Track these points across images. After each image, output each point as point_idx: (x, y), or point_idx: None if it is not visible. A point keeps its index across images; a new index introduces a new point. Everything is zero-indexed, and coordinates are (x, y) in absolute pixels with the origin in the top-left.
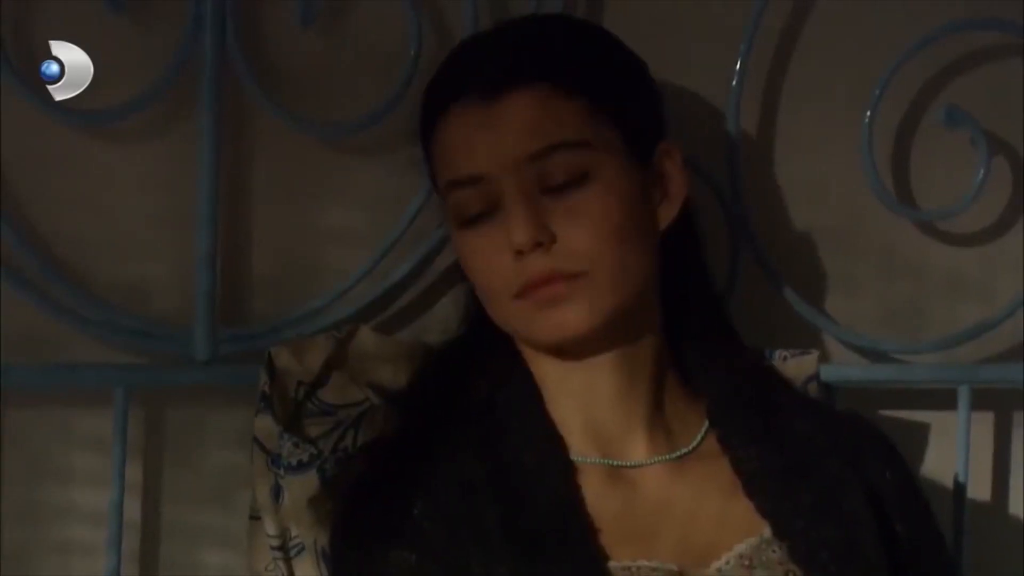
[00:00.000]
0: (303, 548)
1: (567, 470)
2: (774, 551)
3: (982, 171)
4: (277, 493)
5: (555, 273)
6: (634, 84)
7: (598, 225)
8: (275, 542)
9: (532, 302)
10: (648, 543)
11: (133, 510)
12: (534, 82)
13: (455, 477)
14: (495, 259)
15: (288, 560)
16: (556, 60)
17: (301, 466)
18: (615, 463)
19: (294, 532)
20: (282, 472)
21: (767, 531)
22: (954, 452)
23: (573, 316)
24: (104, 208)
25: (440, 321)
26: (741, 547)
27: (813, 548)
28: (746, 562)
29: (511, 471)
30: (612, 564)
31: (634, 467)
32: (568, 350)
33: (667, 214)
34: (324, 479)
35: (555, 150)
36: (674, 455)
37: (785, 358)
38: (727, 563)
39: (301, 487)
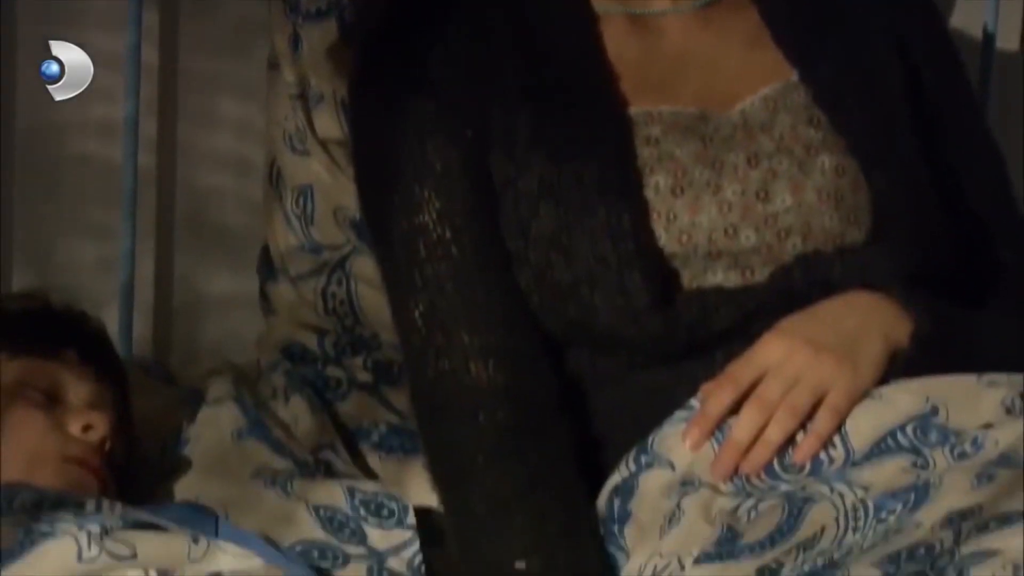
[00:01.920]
0: (322, 98)
1: (588, 19)
2: (799, 95)
3: None
4: (296, 42)
5: None
6: None
7: None
8: (294, 90)
9: None
10: (670, 89)
11: (150, 56)
12: None
13: (475, 25)
14: None
15: (308, 111)
16: None
17: (320, 14)
18: (637, 12)
19: (313, 82)
20: (300, 20)
21: (794, 76)
22: (983, 3)
23: None
24: None
25: None
26: (766, 90)
27: (838, 93)
28: (770, 104)
29: (532, 20)
30: (633, 110)
31: (657, 15)
32: None
33: None
34: (343, 27)
35: None
36: (699, 3)
37: None
38: (751, 104)
39: (320, 35)
